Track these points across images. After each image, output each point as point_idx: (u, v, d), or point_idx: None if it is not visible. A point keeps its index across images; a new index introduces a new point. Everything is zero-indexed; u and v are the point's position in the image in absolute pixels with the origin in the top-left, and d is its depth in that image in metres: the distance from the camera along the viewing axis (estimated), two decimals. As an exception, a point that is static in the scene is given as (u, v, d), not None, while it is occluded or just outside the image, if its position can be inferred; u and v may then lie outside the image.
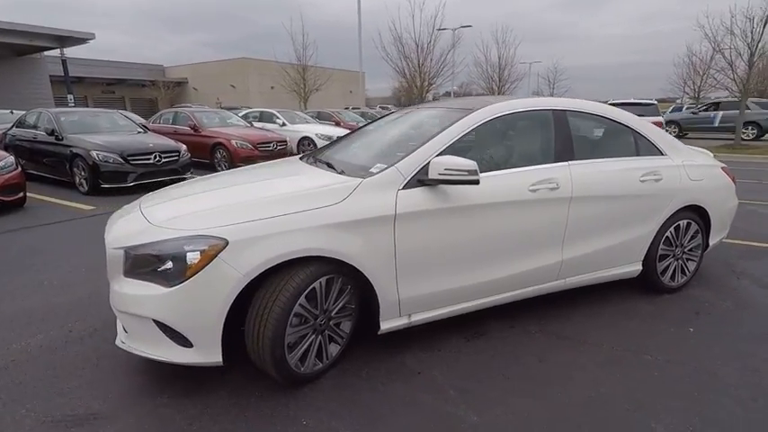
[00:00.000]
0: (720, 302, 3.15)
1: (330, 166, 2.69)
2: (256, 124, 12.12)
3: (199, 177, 3.07)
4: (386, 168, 2.32)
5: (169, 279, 1.96)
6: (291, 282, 2.02)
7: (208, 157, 9.71)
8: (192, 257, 1.93)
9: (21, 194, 6.17)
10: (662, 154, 3.16)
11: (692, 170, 3.19)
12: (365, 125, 3.64)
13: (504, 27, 48.36)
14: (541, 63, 65.88)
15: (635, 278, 3.17)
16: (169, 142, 8.09)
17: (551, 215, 2.64)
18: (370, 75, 47.92)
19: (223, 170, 9.55)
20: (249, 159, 9.44)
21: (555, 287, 2.83)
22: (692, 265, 3.34)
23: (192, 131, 9.91)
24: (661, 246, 3.13)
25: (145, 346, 2.08)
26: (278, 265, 2.00)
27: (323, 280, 2.12)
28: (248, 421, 1.97)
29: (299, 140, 12.13)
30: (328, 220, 2.09)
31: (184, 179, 8.30)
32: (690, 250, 3.30)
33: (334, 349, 2.33)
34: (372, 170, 2.38)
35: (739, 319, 2.91)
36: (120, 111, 11.93)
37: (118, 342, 2.19)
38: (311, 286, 2.07)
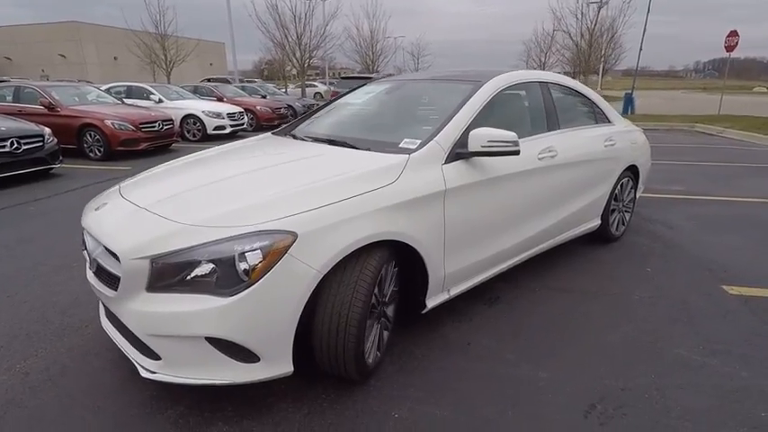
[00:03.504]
0: (654, 245, 3.80)
1: (341, 143, 2.48)
2: (126, 101, 10.37)
3: (178, 162, 2.56)
4: (425, 143, 2.23)
5: (225, 287, 1.64)
6: (366, 270, 1.85)
7: (73, 141, 8.05)
8: (255, 258, 1.64)
9: None
10: (610, 122, 3.62)
11: (631, 135, 3.72)
12: (338, 98, 3.41)
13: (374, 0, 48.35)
14: (405, 38, 68.26)
15: (593, 231, 3.62)
16: (28, 125, 6.51)
17: (553, 180, 2.85)
18: (228, 46, 44.24)
19: (97, 156, 8.06)
20: (130, 143, 8.12)
21: (550, 245, 3.09)
22: (627, 216, 3.94)
23: (46, 111, 8.06)
24: (612, 202, 3.62)
25: (192, 372, 1.72)
26: (347, 255, 1.81)
27: (386, 264, 1.99)
28: (337, 427, 1.79)
29: (183, 119, 10.79)
30: (389, 201, 1.95)
31: (52, 169, 6.79)
32: (627, 204, 3.88)
33: (385, 336, 2.22)
34: (403, 145, 2.27)
35: (674, 257, 3.55)
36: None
37: (144, 374, 1.76)
38: (380, 273, 1.93)
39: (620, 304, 2.79)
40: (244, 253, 1.64)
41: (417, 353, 2.28)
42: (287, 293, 1.68)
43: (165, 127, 8.87)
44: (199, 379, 1.72)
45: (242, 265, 1.63)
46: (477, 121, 2.42)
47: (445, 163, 2.23)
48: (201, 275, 1.64)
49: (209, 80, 18.84)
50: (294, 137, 2.87)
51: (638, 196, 4.10)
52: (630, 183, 3.81)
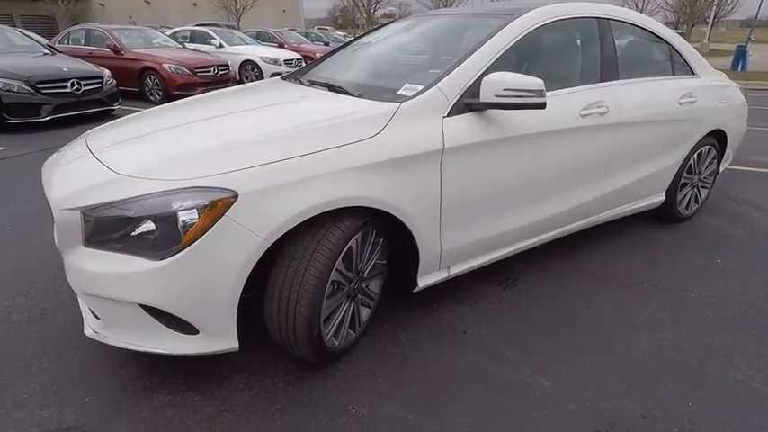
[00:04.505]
0: (732, 230, 3.10)
1: (337, 88, 2.12)
2: (188, 45, 10.53)
3: (159, 107, 2.37)
4: (425, 90, 1.82)
5: (157, 249, 1.42)
6: (326, 242, 1.55)
7: (135, 84, 8.34)
8: (188, 218, 1.40)
9: None
10: (693, 74, 2.88)
11: (719, 92, 2.96)
12: (359, 37, 3.01)
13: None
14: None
15: (654, 209, 3.00)
16: (88, 66, 6.74)
17: (599, 144, 2.31)
18: (304, -8, 43.59)
19: (156, 99, 8.31)
20: (186, 87, 8.24)
21: (590, 223, 2.58)
22: (704, 193, 3.24)
23: (112, 54, 8.37)
24: (684, 174, 2.95)
25: (129, 337, 1.57)
26: (305, 222, 1.52)
27: (359, 236, 1.68)
28: (283, 415, 1.58)
29: (241, 64, 10.79)
30: (365, 159, 1.60)
31: (112, 111, 7.09)
32: (704, 177, 3.17)
33: (364, 314, 1.95)
34: (402, 92, 1.88)
35: (756, 247, 2.86)
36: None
37: (88, 332, 1.65)
38: (348, 245, 1.62)
39: (670, 302, 2.27)
40: (176, 212, 1.40)
41: (401, 336, 1.99)
42: (225, 262, 1.44)
43: (221, 72, 8.89)
44: (136, 345, 1.56)
45: (174, 226, 1.40)
46: (500, 65, 1.94)
47: (448, 115, 1.81)
48: (137, 234, 1.43)
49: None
50: (299, 81, 2.55)
51: (721, 169, 3.34)
52: (713, 152, 3.08)
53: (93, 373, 1.77)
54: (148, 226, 1.42)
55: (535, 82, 1.74)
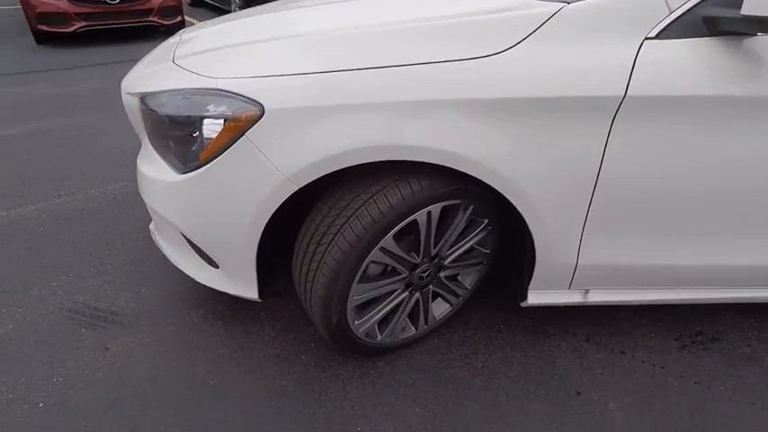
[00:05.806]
0: None
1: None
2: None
3: None
4: (623, -16, 1.00)
5: (182, 160, 1.16)
6: (371, 207, 1.05)
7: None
8: (211, 129, 1.07)
9: (178, 18, 6.02)
10: None
11: None
12: None
13: None
14: None
15: None
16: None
17: None
18: None
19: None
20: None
21: None
22: None
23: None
24: None
25: (170, 249, 1.44)
26: (351, 169, 1.04)
27: (434, 207, 1.11)
28: (282, 396, 1.27)
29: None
30: (465, 90, 0.97)
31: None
32: None
33: (440, 309, 1.43)
34: (587, -10, 1.09)
35: None
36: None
37: (151, 226, 1.59)
38: (410, 218, 1.09)
39: None
40: (201, 118, 1.09)
41: (481, 358, 1.40)
42: (239, 195, 1.09)
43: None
44: (170, 257, 1.43)
45: (198, 136, 1.11)
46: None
47: (657, 37, 0.97)
48: (174, 136, 1.19)
49: None
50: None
51: None
52: None
53: (163, 266, 1.76)
54: (183, 129, 1.16)
55: None
